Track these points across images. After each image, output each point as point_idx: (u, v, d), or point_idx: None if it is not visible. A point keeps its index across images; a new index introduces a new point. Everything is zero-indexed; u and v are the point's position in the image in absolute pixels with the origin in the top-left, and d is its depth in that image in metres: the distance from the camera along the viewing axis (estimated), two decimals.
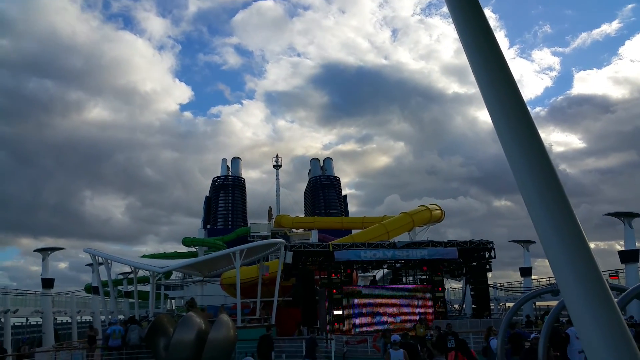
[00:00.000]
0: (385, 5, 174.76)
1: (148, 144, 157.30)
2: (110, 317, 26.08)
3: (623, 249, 26.24)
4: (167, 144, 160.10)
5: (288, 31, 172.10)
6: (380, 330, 21.68)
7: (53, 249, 33.92)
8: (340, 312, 27.86)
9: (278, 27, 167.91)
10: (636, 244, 26.23)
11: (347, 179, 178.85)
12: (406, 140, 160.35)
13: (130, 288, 37.89)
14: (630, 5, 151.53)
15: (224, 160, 78.97)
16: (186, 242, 54.67)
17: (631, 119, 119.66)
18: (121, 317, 32.33)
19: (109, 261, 28.03)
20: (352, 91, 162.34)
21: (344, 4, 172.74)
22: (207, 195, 75.52)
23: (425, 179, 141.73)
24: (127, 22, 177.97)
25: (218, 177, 76.16)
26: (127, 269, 34.34)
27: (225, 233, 63.60)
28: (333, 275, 29.31)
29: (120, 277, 43.47)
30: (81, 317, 43.89)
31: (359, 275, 38.82)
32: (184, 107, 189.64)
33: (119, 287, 45.32)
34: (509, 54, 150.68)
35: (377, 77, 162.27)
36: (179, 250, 56.37)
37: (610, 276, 28.39)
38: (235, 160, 79.56)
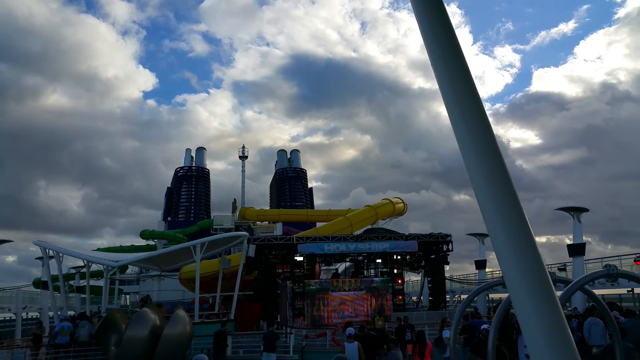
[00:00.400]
0: None
1: (108, 132, 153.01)
2: (59, 313, 25.05)
3: (571, 242, 27.20)
4: (128, 133, 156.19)
5: (257, 20, 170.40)
6: (340, 324, 21.72)
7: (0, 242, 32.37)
8: (301, 305, 27.79)
9: (247, 15, 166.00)
10: (583, 238, 27.21)
11: (314, 171, 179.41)
12: (373, 133, 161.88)
13: (83, 283, 36.69)
14: (585, 6, 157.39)
15: (188, 151, 77.58)
16: (144, 234, 53.43)
17: (584, 116, 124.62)
18: (71, 313, 31.25)
19: (60, 254, 26.97)
20: (321, 83, 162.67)
21: None
22: (169, 186, 74.05)
23: (390, 173, 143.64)
24: (90, 5, 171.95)
25: (181, 168, 74.78)
26: (80, 263, 33.17)
27: (187, 226, 62.57)
28: (296, 269, 29.20)
29: (73, 271, 42.07)
30: (27, 314, 41.74)
31: (322, 268, 38.85)
32: (147, 95, 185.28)
33: (71, 282, 43.83)
34: (473, 50, 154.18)
35: (345, 70, 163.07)
36: (136, 244, 55.09)
37: (558, 269, 29.38)
38: (200, 150, 78.23)
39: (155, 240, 53.22)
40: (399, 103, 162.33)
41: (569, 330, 1.98)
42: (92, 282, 37.03)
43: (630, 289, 24.77)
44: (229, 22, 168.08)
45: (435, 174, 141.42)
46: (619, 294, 26.98)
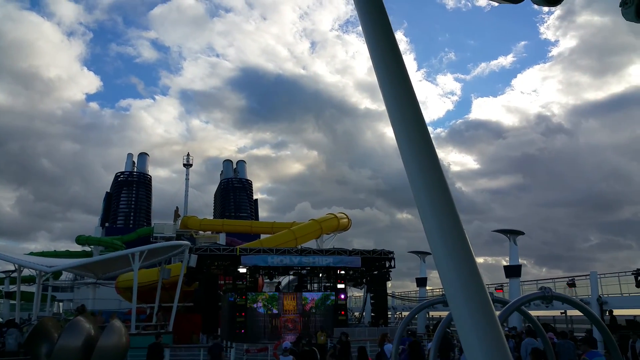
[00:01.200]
0: (305, 17, 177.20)
1: (47, 133, 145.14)
2: None
3: (508, 264, 28.55)
4: (68, 135, 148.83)
5: (208, 30, 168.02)
6: (281, 339, 21.62)
7: None
8: (242, 319, 27.39)
9: (198, 25, 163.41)
10: (519, 260, 28.65)
11: (260, 183, 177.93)
12: (320, 149, 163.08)
13: (13, 288, 34.40)
14: (523, 42, 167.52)
15: (130, 155, 74.92)
16: (80, 240, 50.99)
17: (520, 145, 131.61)
18: None
19: None
20: (270, 97, 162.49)
21: (265, 10, 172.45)
22: (108, 191, 71.10)
23: (335, 189, 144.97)
24: (34, 3, 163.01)
25: (122, 173, 72.09)
26: (11, 267, 31.10)
27: (126, 232, 60.28)
28: (238, 281, 28.82)
29: (2, 275, 39.39)
30: None
31: (264, 281, 38.55)
32: (90, 98, 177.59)
33: (0, 287, 41.09)
34: (417, 76, 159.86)
35: (294, 86, 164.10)
36: (71, 249, 52.35)
37: (495, 289, 30.69)
38: (142, 155, 75.77)
39: (92, 247, 50.89)
40: (346, 122, 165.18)
41: (508, 348, 2.04)
42: (23, 288, 34.87)
43: (563, 311, 26.20)
44: (179, 30, 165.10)
45: (380, 192, 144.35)
46: (553, 316, 28.38)
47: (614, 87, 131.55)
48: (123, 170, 72.62)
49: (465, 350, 2.05)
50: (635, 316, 24.62)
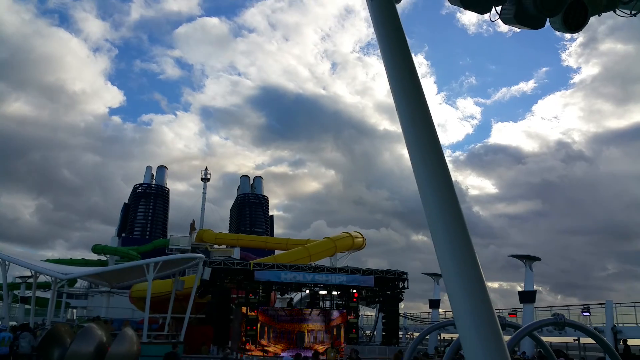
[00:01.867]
0: (327, 39, 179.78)
1: (69, 144, 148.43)
2: (0, 322, 23.75)
3: (523, 289, 28.09)
4: (90, 147, 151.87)
5: (231, 50, 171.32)
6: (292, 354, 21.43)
7: None
8: (254, 332, 27.35)
9: (221, 44, 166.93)
10: (534, 286, 28.17)
11: (276, 200, 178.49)
12: (337, 169, 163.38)
13: (29, 293, 34.94)
14: (544, 68, 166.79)
15: (149, 168, 76.02)
16: (96, 249, 51.66)
17: (540, 172, 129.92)
18: (13, 323, 29.61)
19: (7, 262, 25.74)
20: (289, 116, 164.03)
21: (287, 32, 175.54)
22: (126, 202, 72.09)
23: (351, 208, 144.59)
24: (64, 19, 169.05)
25: (140, 185, 73.09)
26: (28, 273, 31.68)
27: (142, 243, 60.89)
28: (251, 295, 28.84)
29: (18, 280, 40.02)
30: None
31: (277, 297, 38.47)
32: (113, 111, 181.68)
33: (15, 292, 41.73)
34: (437, 99, 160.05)
35: (314, 106, 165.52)
36: (87, 258, 53.00)
37: (509, 314, 30.18)
38: (161, 168, 76.83)
39: (108, 256, 51.48)
40: (365, 142, 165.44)
41: None
42: (39, 294, 35.35)
43: (576, 338, 25.66)
44: (202, 49, 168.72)
45: (396, 214, 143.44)
46: (566, 343, 27.82)
47: (637, 115, 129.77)
48: (142, 182, 73.68)
49: None
50: None
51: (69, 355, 15.96)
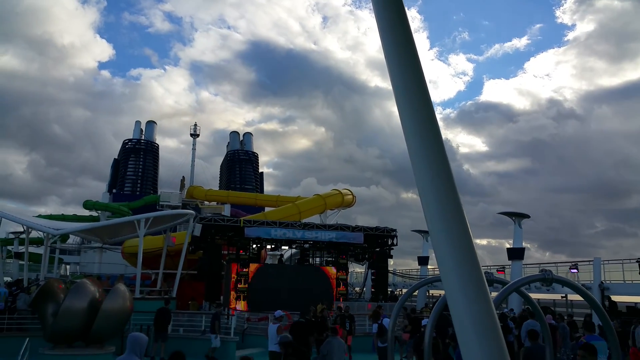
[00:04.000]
0: None
1: (59, 99, 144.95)
2: None
3: (511, 246, 28.68)
4: (79, 102, 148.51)
5: (220, 2, 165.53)
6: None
7: None
8: (245, 288, 27.88)
9: None
10: (523, 243, 28.76)
11: (266, 157, 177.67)
12: (328, 126, 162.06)
13: (22, 249, 35.10)
14: (538, 25, 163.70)
15: (138, 123, 74.87)
16: (88, 205, 51.54)
17: (530, 130, 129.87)
18: (7, 279, 29.87)
19: None
20: (280, 72, 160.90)
21: None
22: (116, 158, 71.46)
23: (342, 166, 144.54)
24: None
25: (129, 140, 72.20)
26: (20, 228, 31.68)
27: (132, 199, 60.81)
28: (241, 251, 29.21)
29: (11, 236, 40.08)
30: None
31: (267, 253, 39.02)
32: (102, 66, 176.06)
33: (9, 247, 41.89)
34: (429, 55, 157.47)
35: (305, 62, 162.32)
36: (79, 214, 52.98)
37: (497, 271, 30.92)
38: (150, 124, 75.67)
39: (99, 212, 51.50)
40: (355, 99, 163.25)
41: (499, 327, 2.04)
42: (32, 249, 35.52)
43: (564, 295, 26.42)
44: (191, 1, 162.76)
45: (386, 172, 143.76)
46: (554, 300, 28.60)
47: (630, 73, 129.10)
48: (131, 137, 72.81)
49: (455, 326, 2.03)
50: (636, 303, 24.80)
51: (62, 310, 16.18)
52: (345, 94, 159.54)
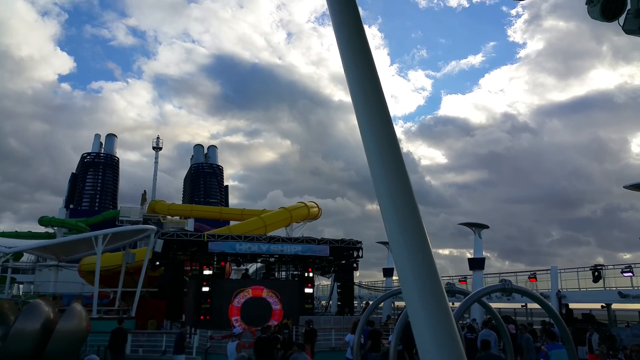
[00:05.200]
0: (282, 7, 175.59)
1: (15, 112, 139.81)
2: None
3: (472, 256, 29.17)
4: (38, 115, 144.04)
5: (185, 16, 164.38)
6: (247, 327, 21.50)
7: None
8: (208, 305, 27.15)
9: (174, 10, 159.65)
10: (483, 253, 29.35)
11: (232, 170, 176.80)
12: (293, 139, 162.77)
13: None
14: (492, 43, 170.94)
15: (97, 136, 72.75)
16: (43, 221, 49.46)
17: (487, 143, 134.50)
18: None
19: None
20: (245, 85, 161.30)
21: None
22: (74, 172, 69.11)
23: (308, 179, 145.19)
24: None
25: (88, 154, 70.03)
26: None
27: (91, 215, 58.85)
28: (205, 267, 28.53)
29: None
30: None
31: (232, 268, 38.35)
32: (63, 79, 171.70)
33: None
34: (390, 71, 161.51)
35: (270, 76, 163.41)
36: (34, 231, 50.76)
37: (460, 281, 31.35)
38: (110, 137, 73.65)
39: (55, 228, 49.45)
40: (320, 112, 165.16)
41: (458, 337, 2.06)
42: None
43: (524, 304, 26.95)
44: (155, 14, 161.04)
45: (352, 184, 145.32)
46: (514, 309, 29.11)
47: (576, 89, 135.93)
48: (90, 151, 70.63)
49: (415, 336, 2.07)
50: (590, 310, 25.58)
51: (12, 333, 15.27)
52: (310, 107, 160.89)
